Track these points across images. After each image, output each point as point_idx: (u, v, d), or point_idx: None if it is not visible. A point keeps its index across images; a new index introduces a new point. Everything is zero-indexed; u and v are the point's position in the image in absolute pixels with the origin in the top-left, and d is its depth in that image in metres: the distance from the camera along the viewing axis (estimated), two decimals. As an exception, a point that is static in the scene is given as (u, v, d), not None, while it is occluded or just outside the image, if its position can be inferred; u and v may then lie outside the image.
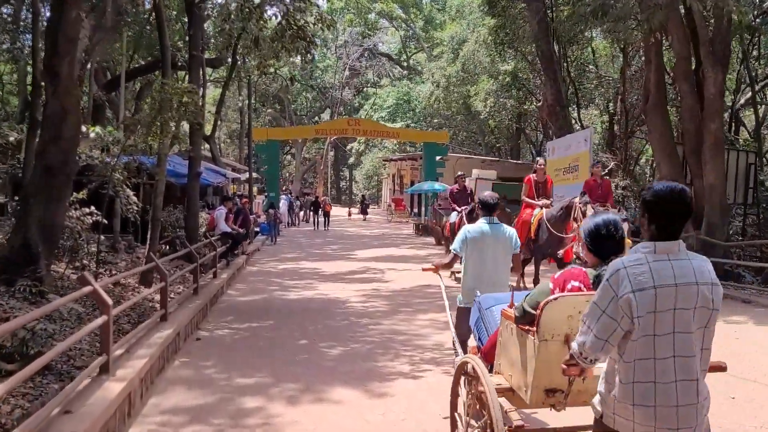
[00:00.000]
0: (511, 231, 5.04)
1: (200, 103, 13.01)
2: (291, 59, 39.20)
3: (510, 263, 5.03)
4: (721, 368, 2.96)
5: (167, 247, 15.87)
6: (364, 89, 60.05)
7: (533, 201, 11.12)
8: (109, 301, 4.81)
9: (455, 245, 4.96)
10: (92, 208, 10.85)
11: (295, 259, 17.88)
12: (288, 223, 31.37)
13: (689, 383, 2.28)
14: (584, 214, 9.19)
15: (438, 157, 29.04)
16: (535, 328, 3.07)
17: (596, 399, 2.47)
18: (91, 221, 10.76)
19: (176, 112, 10.72)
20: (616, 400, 2.34)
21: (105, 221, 11.25)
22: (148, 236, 12.35)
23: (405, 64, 51.88)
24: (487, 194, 5.16)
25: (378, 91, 57.20)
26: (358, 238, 25.51)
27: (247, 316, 9.35)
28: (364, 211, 40.38)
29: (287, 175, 67.58)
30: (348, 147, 58.77)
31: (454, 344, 4.65)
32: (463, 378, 3.70)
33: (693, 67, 13.96)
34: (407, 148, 48.69)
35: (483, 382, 3.22)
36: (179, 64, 24.25)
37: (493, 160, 32.73)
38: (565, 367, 2.48)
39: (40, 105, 10.27)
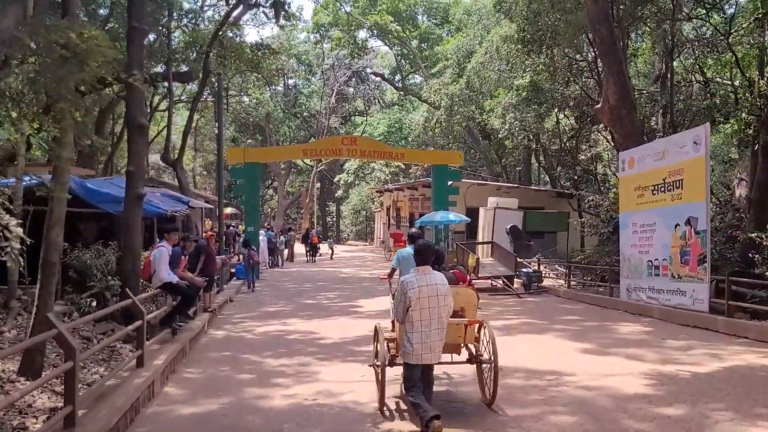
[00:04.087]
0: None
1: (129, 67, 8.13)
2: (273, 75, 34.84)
3: None
4: (480, 323, 6.04)
5: (94, 302, 10.92)
6: (353, 117, 55.70)
7: None
8: None
9: (393, 262, 7.66)
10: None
11: (280, 315, 12.91)
12: (270, 263, 26.33)
13: (437, 330, 5.24)
14: None
15: (450, 183, 24.34)
16: None
17: (402, 351, 5.38)
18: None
19: (68, 69, 5.92)
20: (408, 344, 5.24)
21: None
22: (36, 291, 7.66)
23: (399, 84, 47.62)
24: (413, 230, 8.38)
25: (368, 118, 52.87)
26: (358, 282, 20.48)
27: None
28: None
29: (269, 210, 62.53)
30: (336, 179, 54.07)
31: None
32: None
33: None
34: (401, 179, 44.20)
35: (378, 332, 6.09)
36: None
37: (510, 186, 28.17)
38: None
39: None
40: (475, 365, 6.23)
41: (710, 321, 10.17)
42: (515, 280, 17.41)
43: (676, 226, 11.42)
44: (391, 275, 7.74)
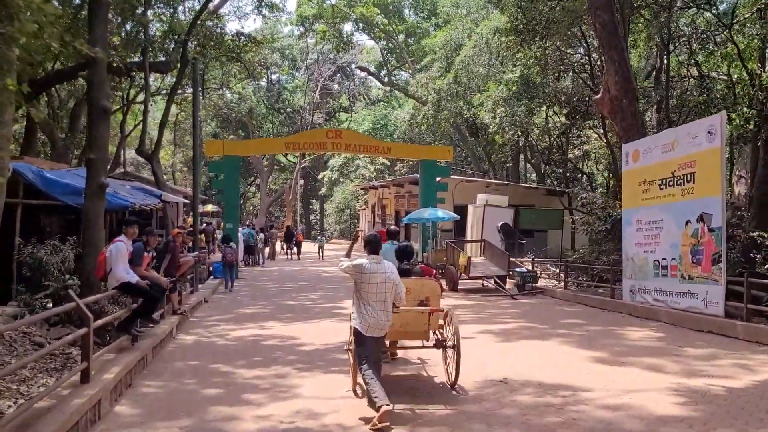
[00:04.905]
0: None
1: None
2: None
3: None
4: (443, 311, 6.65)
5: (50, 303, 9.85)
6: (337, 114, 54.59)
7: None
8: None
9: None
10: None
11: (258, 317, 11.89)
12: (248, 261, 25.20)
13: (384, 311, 5.81)
14: None
15: (438, 179, 23.42)
16: None
17: (352, 323, 6.04)
18: None
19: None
20: (359, 316, 5.84)
21: None
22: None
23: (385, 80, 46.61)
24: (393, 228, 9.80)
25: (353, 114, 51.80)
26: (341, 282, 19.46)
27: None
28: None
29: (251, 207, 61.21)
30: (320, 176, 52.96)
31: None
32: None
33: None
34: (386, 176, 43.27)
35: (352, 319, 6.13)
36: (114, 65, 18.44)
37: (499, 183, 27.34)
38: None
39: None
40: (440, 350, 6.82)
41: (728, 326, 9.33)
42: (508, 280, 16.55)
43: (686, 223, 10.58)
44: None
